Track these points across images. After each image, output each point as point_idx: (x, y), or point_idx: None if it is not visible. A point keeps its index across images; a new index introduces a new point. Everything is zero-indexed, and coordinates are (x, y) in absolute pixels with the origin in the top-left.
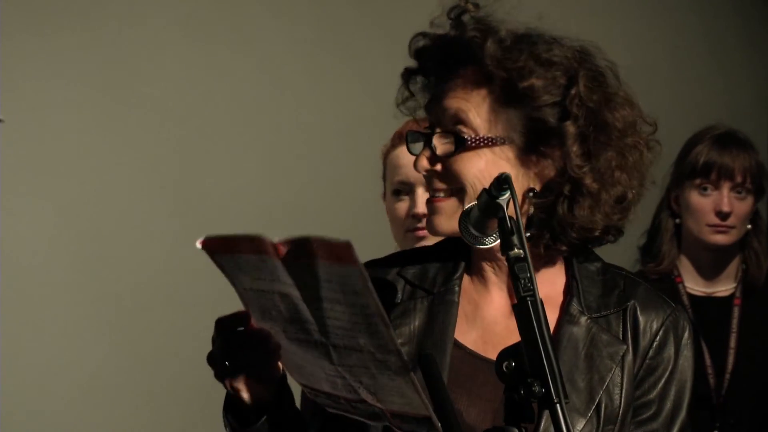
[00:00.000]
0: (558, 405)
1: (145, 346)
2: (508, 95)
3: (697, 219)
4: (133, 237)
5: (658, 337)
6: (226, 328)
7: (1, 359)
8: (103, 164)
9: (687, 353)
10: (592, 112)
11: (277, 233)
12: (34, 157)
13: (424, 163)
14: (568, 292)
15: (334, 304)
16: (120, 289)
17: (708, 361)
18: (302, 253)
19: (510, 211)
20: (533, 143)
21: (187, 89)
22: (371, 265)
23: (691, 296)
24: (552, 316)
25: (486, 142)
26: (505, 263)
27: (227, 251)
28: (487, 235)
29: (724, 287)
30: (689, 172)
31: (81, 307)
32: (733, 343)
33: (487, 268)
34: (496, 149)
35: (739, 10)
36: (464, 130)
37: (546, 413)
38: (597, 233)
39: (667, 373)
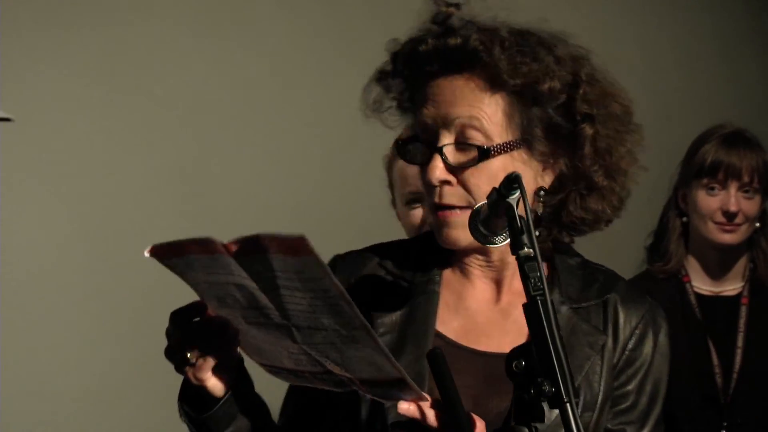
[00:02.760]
0: (568, 404)
1: (153, 348)
2: (521, 99)
3: (705, 218)
4: (141, 237)
5: (637, 331)
6: (182, 319)
7: (7, 361)
8: (111, 163)
9: (663, 350)
10: (597, 107)
11: (289, 231)
12: (42, 156)
13: (440, 174)
14: (550, 283)
15: (293, 291)
16: (127, 289)
17: (715, 360)
18: (254, 249)
19: (520, 210)
20: (547, 144)
21: (195, 87)
22: (351, 255)
23: (698, 295)
24: None
25: (506, 148)
26: (488, 257)
27: (177, 255)
28: (497, 234)
29: (731, 286)
30: (696, 171)
31: (88, 307)
32: (740, 342)
33: (470, 260)
34: (514, 153)
35: (749, 10)
36: (479, 137)
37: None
38: (605, 223)
39: (645, 368)
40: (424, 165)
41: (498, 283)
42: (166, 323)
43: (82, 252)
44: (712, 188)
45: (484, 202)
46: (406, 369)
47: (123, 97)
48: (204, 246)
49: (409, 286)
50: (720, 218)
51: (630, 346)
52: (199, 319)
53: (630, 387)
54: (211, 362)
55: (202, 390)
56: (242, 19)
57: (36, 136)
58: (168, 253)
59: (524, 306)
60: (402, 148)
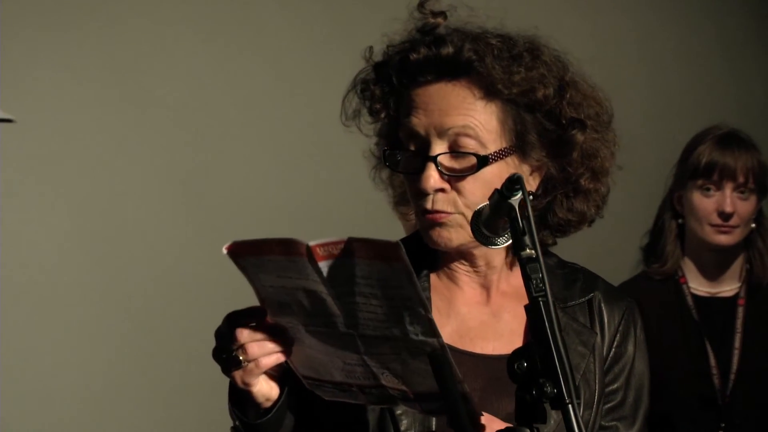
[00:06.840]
0: (570, 405)
1: (156, 347)
2: (516, 107)
3: (700, 220)
4: (144, 237)
5: (620, 327)
6: (238, 321)
7: (7, 361)
8: (111, 164)
9: (642, 345)
10: (582, 110)
11: (289, 233)
12: (42, 156)
13: (435, 183)
14: None
15: (370, 298)
16: (127, 289)
17: (713, 361)
18: (340, 254)
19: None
20: (540, 149)
21: (198, 88)
22: None
23: (695, 297)
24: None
25: (502, 155)
26: (474, 263)
27: (254, 254)
28: (499, 236)
29: (728, 287)
30: (692, 172)
31: (88, 307)
32: (737, 343)
33: (456, 265)
34: (508, 159)
35: (750, 10)
36: (473, 145)
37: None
38: (588, 224)
39: (629, 365)
40: (415, 173)
41: (486, 287)
42: (165, 323)
43: (82, 252)
44: (707, 189)
45: (485, 203)
46: None
47: (123, 98)
48: (287, 247)
49: None
50: (716, 220)
51: (616, 342)
52: (255, 324)
53: (618, 384)
54: (262, 368)
55: (247, 395)
56: (243, 20)
57: (36, 137)
58: (246, 252)
59: (526, 307)
60: (390, 157)
